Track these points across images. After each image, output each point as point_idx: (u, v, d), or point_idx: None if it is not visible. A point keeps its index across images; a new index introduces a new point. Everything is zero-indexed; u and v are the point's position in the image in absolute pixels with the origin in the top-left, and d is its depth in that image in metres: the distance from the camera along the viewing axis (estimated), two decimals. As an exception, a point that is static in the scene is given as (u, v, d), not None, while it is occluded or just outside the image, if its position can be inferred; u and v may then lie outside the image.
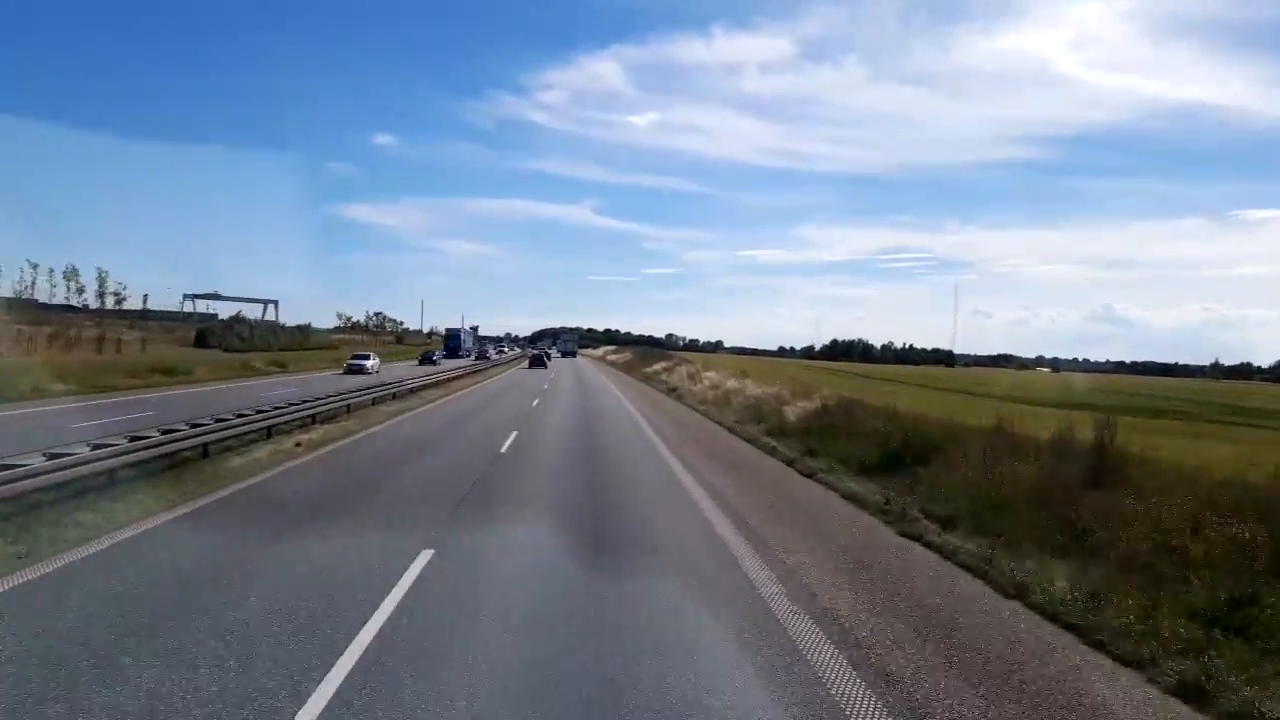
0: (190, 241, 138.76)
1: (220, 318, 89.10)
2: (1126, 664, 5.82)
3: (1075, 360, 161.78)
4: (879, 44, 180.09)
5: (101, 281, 70.58)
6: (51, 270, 69.15)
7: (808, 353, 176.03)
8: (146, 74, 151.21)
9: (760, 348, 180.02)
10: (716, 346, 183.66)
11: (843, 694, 5.06)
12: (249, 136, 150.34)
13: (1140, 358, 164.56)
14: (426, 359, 62.11)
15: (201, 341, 66.83)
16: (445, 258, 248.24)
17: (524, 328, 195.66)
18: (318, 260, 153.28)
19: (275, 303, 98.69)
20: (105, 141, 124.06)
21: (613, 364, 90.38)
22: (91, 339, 49.35)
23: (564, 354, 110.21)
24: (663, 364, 59.23)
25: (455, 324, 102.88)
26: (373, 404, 24.65)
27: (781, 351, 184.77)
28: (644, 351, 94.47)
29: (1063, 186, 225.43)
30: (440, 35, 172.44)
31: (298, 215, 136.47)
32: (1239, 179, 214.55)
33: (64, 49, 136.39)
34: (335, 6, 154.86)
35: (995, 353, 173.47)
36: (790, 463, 15.34)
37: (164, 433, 12.69)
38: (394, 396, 27.94)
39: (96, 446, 10.92)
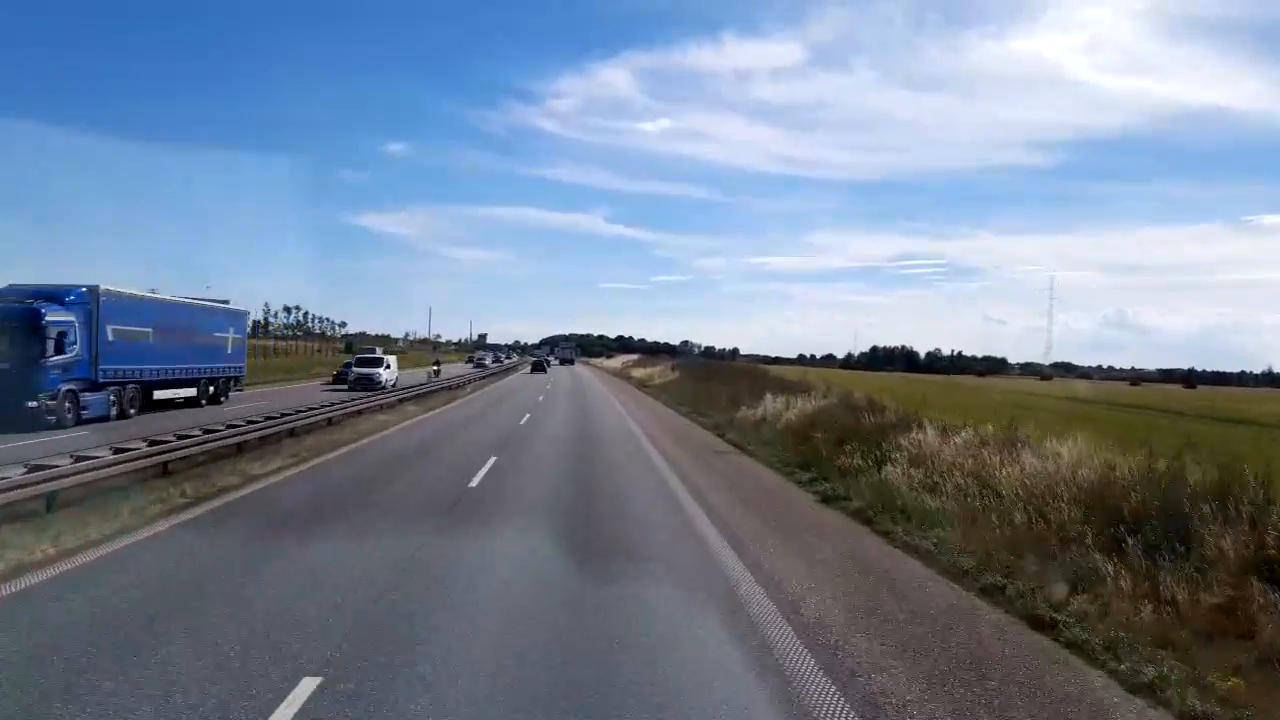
0: (194, 249, 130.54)
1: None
2: None
3: (1100, 368, 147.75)
4: (889, 48, 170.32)
5: None
6: None
7: (844, 362, 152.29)
8: (157, 80, 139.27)
9: (778, 355, 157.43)
10: (733, 354, 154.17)
11: None
12: (258, 144, 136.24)
13: (1155, 364, 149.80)
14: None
15: None
16: (456, 265, 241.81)
17: (534, 334, 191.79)
18: (327, 267, 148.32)
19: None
20: (108, 145, 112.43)
21: (642, 385, 55.73)
22: None
23: (562, 361, 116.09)
24: (816, 397, 23.53)
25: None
26: None
27: (802, 359, 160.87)
28: (702, 366, 59.61)
29: (1076, 191, 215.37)
30: (452, 43, 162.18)
31: (307, 223, 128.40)
32: (1255, 183, 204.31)
33: (65, 53, 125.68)
34: (344, 17, 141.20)
35: (1001, 358, 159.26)
36: None
37: None
38: None
39: None
